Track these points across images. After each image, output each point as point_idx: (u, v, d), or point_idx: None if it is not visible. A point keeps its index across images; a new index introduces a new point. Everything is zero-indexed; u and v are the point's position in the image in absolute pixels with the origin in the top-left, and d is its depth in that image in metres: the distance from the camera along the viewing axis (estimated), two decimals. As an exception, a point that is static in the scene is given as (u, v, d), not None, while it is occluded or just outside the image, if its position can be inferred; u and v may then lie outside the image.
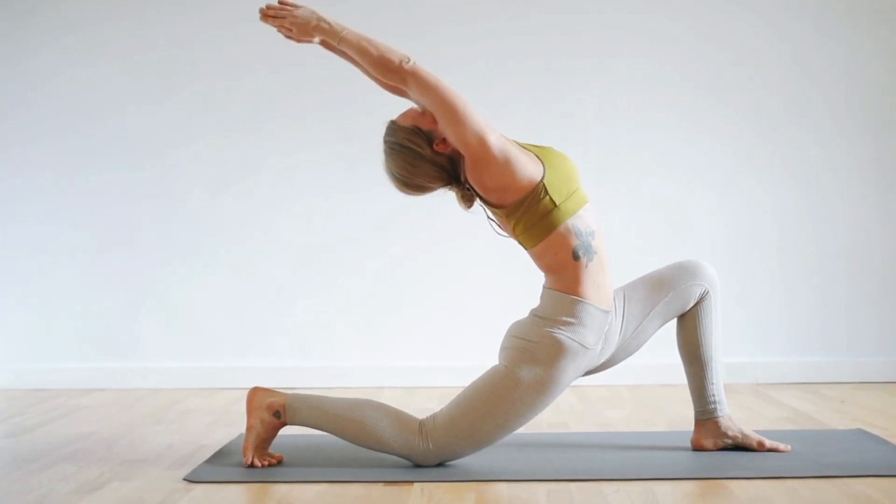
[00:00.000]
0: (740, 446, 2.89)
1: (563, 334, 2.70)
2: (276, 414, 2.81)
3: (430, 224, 4.54)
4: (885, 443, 3.02)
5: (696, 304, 2.90)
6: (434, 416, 2.76)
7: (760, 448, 2.87)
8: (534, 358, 2.70)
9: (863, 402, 3.90)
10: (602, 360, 2.83)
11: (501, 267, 4.53)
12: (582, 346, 2.71)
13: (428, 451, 2.73)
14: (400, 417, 2.77)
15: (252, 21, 4.60)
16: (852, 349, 4.51)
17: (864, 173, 4.54)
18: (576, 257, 2.71)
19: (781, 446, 2.88)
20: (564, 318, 2.70)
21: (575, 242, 2.70)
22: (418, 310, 4.54)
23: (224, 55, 4.56)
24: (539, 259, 2.77)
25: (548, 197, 2.70)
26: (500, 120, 4.54)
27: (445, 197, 4.56)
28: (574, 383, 4.55)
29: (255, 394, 2.85)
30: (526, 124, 4.52)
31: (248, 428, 2.82)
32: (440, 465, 2.77)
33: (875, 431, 3.23)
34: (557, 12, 4.54)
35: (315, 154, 4.56)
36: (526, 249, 2.79)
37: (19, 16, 4.56)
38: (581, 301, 2.71)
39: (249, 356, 4.54)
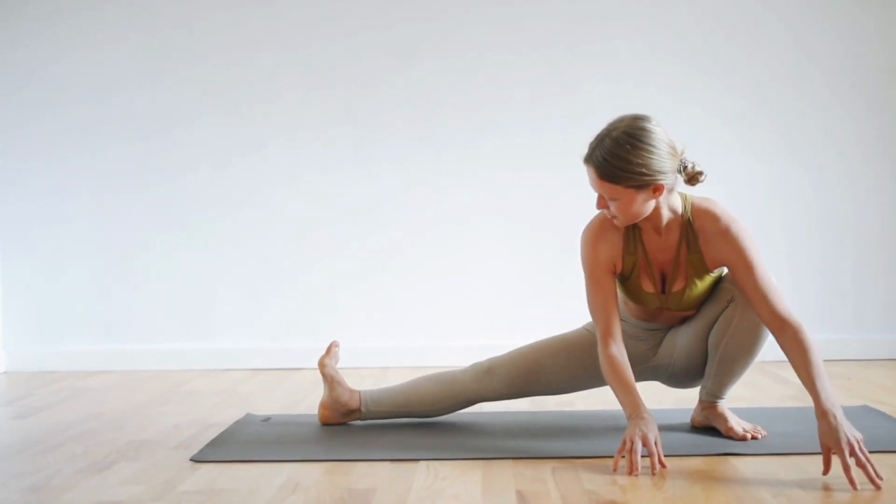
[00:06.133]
0: (722, 434, 2.84)
1: None
2: (348, 415, 3.09)
3: (436, 203, 4.55)
4: (891, 419, 3.03)
5: (727, 305, 2.81)
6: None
7: (737, 437, 2.81)
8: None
9: (869, 378, 3.90)
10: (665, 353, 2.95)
11: (508, 246, 4.54)
12: None
13: (487, 363, 3.01)
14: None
15: (257, 1, 4.61)
16: (858, 327, 4.51)
17: (867, 150, 4.53)
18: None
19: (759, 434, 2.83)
20: None
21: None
22: (425, 290, 4.54)
23: (230, 36, 4.55)
24: None
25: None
26: (507, 104, 4.55)
27: (449, 178, 4.57)
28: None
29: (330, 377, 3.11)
30: (533, 109, 4.52)
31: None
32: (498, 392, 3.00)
33: (881, 408, 3.23)
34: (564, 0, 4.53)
35: (320, 133, 4.55)
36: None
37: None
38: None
39: (256, 337, 4.55)
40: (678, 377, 2.96)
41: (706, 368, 2.88)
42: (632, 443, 2.48)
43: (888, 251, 4.53)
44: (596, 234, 2.74)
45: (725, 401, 2.89)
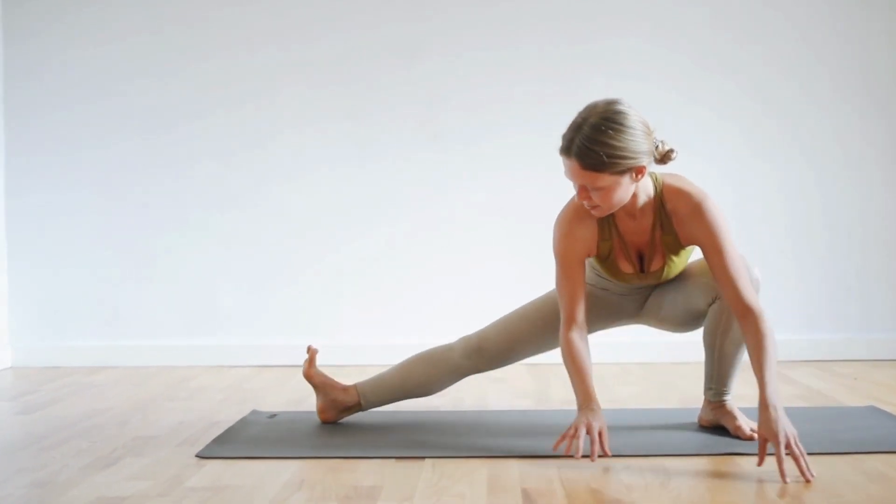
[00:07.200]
0: (730, 434, 2.85)
1: None
2: (348, 410, 3.08)
3: (438, 201, 4.54)
4: (898, 419, 3.02)
5: (713, 302, 2.83)
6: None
7: (744, 437, 2.81)
8: None
9: (876, 379, 3.89)
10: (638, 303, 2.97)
11: (509, 245, 4.53)
12: None
13: (476, 340, 3.05)
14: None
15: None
16: (865, 326, 4.50)
17: (873, 149, 4.51)
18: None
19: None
20: None
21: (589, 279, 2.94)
22: (427, 288, 4.54)
23: (234, 33, 4.55)
24: None
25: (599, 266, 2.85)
26: (508, 103, 4.55)
27: (451, 176, 4.57)
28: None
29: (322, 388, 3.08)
30: (535, 108, 4.51)
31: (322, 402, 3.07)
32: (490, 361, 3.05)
33: (888, 408, 3.22)
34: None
35: (323, 131, 4.55)
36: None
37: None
38: None
39: (262, 334, 4.55)
40: (667, 327, 2.99)
41: (706, 369, 2.91)
42: (576, 430, 2.56)
43: (894, 250, 4.52)
44: (570, 223, 2.75)
45: (732, 398, 2.89)
